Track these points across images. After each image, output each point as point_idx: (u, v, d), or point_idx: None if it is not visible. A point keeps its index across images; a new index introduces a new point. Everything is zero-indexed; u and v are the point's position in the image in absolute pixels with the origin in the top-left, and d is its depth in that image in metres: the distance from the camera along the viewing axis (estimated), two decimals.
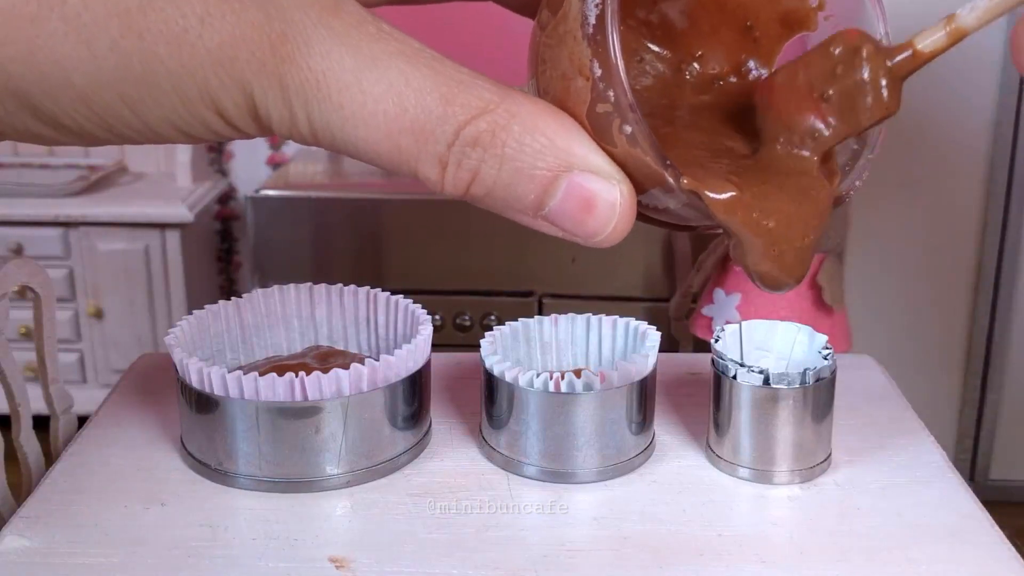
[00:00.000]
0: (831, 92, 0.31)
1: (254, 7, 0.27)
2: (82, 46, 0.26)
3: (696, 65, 0.37)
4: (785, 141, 0.32)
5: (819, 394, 0.50)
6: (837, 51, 0.31)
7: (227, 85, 0.27)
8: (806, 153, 0.32)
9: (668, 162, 0.29)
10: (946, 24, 0.30)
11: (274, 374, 0.49)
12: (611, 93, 0.29)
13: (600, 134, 0.29)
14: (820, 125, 0.32)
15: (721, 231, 0.32)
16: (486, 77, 0.29)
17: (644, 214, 0.33)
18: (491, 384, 0.52)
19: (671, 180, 0.29)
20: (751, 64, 0.37)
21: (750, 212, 0.31)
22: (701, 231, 0.35)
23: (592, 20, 0.29)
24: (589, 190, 0.29)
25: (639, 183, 0.30)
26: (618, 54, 0.28)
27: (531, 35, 0.32)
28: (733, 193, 0.31)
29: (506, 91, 0.29)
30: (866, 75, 0.30)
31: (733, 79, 0.37)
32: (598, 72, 0.29)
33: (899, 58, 0.30)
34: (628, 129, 0.29)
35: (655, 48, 0.37)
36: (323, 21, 0.27)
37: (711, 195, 0.30)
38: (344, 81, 0.27)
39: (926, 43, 0.30)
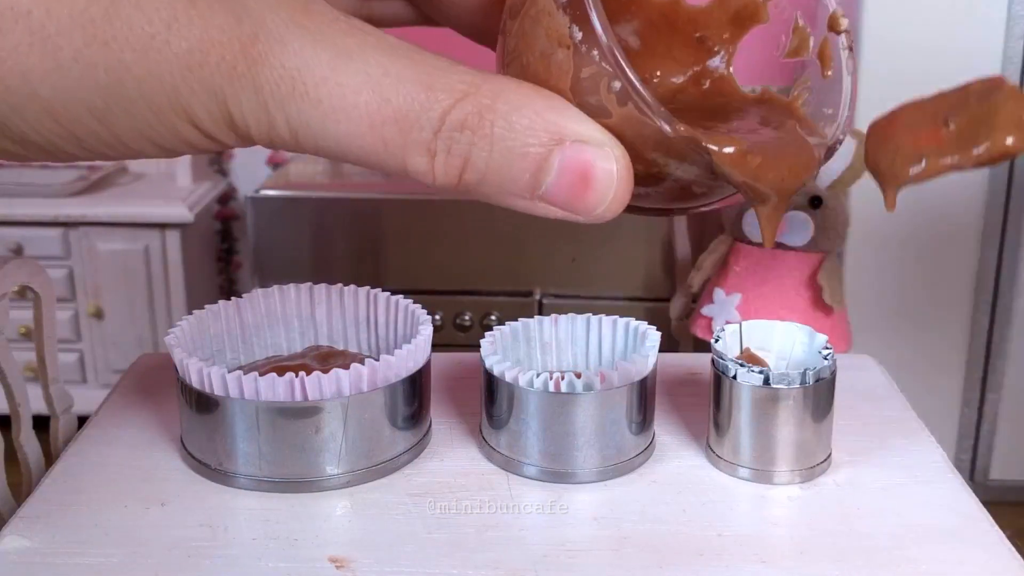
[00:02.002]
0: (956, 121, 0.31)
1: (223, 11, 0.26)
2: (47, 57, 0.25)
3: (656, 81, 0.36)
4: (886, 168, 0.32)
5: (819, 394, 0.50)
6: (974, 86, 0.31)
7: (198, 92, 0.26)
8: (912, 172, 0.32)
9: (662, 108, 0.28)
10: None
11: (274, 374, 0.49)
12: (595, 52, 0.28)
13: (589, 105, 0.29)
14: (932, 150, 0.31)
15: (712, 204, 0.32)
16: (464, 64, 0.28)
17: (635, 205, 0.33)
18: (491, 384, 0.52)
19: (667, 128, 0.28)
20: (710, 64, 0.37)
21: (747, 157, 0.30)
22: (691, 211, 0.35)
23: None
24: (584, 161, 0.28)
25: (636, 150, 0.29)
26: (597, 7, 0.28)
27: (497, 50, 0.32)
28: (730, 143, 0.30)
29: (487, 74, 0.28)
30: (998, 109, 0.30)
31: (693, 89, 0.37)
32: (578, 36, 0.28)
33: None
34: (617, 85, 0.28)
35: None
36: (294, 20, 0.27)
37: (711, 145, 0.29)
38: (320, 75, 0.26)
39: None
